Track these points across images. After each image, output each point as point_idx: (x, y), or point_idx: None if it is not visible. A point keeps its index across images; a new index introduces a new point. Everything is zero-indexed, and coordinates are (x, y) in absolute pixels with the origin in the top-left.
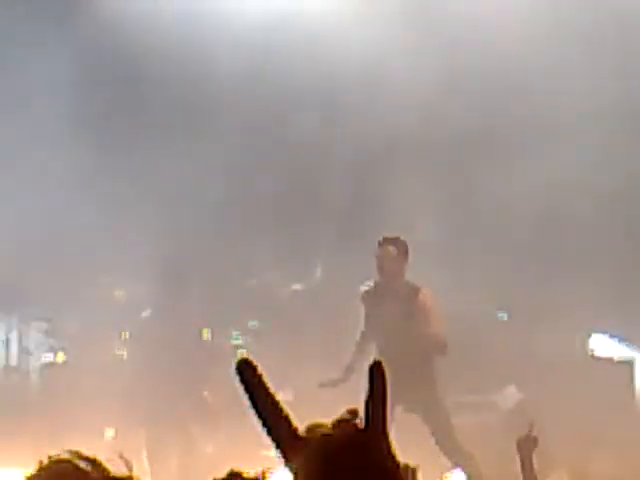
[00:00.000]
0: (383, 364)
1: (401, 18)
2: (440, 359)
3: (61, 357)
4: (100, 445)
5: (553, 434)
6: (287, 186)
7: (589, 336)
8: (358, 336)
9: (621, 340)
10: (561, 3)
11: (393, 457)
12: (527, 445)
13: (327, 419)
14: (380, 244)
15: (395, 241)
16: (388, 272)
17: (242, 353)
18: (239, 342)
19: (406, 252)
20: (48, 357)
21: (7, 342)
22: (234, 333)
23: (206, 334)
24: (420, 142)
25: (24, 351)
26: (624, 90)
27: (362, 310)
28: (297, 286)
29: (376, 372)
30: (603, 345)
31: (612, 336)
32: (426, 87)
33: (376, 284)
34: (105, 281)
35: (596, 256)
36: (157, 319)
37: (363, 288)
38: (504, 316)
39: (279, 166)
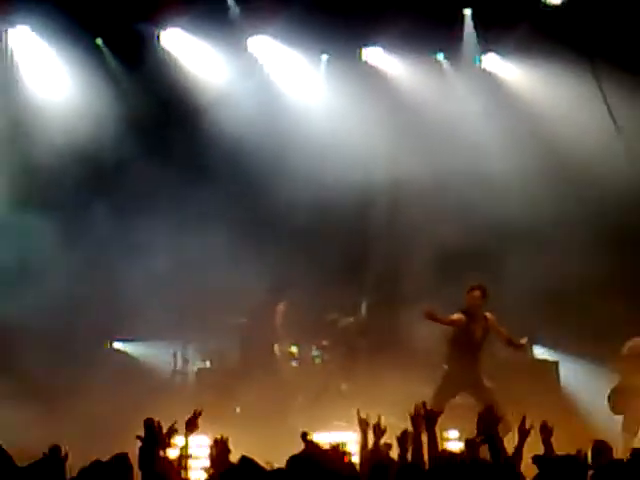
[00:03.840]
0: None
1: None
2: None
3: (208, 364)
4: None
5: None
6: (347, 269)
7: (532, 345)
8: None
9: (551, 347)
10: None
11: None
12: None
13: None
14: (470, 289)
15: (479, 287)
16: (474, 307)
17: (317, 359)
18: (316, 354)
19: (485, 293)
20: (200, 364)
21: (175, 355)
22: (313, 348)
23: (295, 348)
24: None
25: (185, 360)
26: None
27: (452, 329)
28: (350, 319)
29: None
30: (540, 351)
31: (545, 345)
32: None
33: (464, 312)
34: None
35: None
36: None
37: (459, 315)
38: None
39: (345, 255)
